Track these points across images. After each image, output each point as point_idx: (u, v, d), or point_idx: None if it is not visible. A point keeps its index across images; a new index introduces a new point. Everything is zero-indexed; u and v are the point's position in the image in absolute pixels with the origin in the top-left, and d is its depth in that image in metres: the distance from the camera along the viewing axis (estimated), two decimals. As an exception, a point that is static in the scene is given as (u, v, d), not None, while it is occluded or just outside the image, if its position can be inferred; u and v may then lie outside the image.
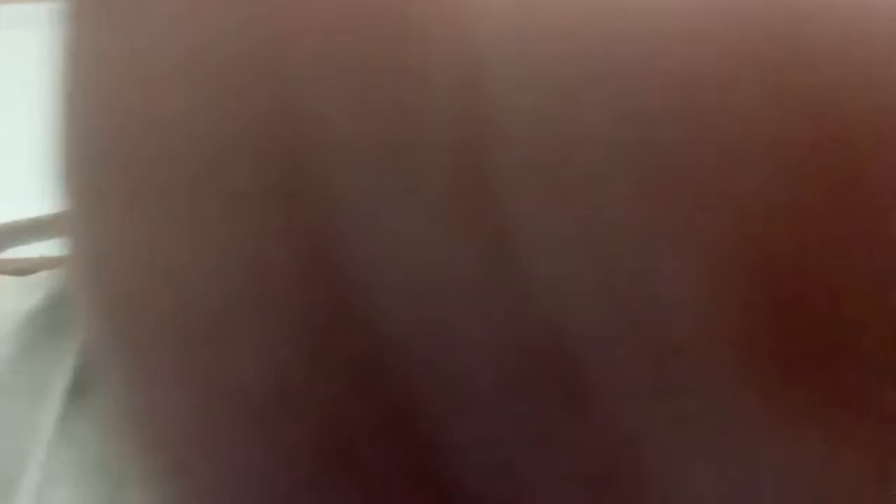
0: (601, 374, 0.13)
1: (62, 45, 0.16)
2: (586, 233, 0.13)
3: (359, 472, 0.14)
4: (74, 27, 0.16)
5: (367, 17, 0.13)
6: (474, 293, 0.13)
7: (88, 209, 0.16)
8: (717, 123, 0.12)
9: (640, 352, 0.13)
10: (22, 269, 0.31)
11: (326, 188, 0.14)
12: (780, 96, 0.12)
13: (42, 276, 0.30)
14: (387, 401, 0.14)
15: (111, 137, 0.15)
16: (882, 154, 0.12)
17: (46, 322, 0.28)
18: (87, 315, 0.16)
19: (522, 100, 0.13)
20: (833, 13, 0.12)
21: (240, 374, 0.15)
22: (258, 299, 0.14)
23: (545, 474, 0.14)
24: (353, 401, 0.14)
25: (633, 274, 0.13)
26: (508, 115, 0.13)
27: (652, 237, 0.13)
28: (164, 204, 0.15)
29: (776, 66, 0.12)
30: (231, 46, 0.14)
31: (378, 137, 0.13)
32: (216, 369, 0.15)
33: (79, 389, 0.27)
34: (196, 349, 0.15)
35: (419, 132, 0.13)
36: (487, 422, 0.14)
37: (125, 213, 0.15)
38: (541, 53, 0.13)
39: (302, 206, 0.14)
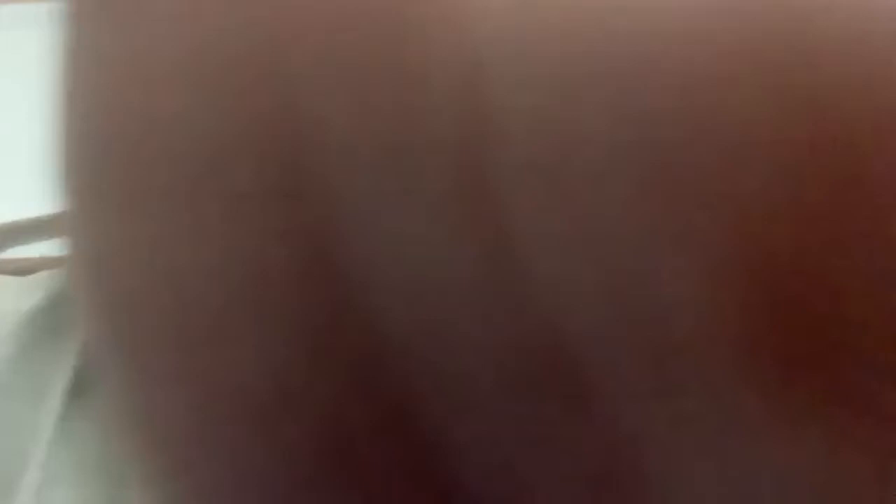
0: (601, 374, 0.13)
1: (62, 45, 0.16)
2: (586, 233, 0.13)
3: (359, 472, 0.14)
4: (74, 27, 0.16)
5: (367, 17, 0.13)
6: (474, 293, 0.13)
7: (88, 209, 0.16)
8: (717, 123, 0.12)
9: (640, 352, 0.13)
10: (22, 269, 0.31)
11: (326, 188, 0.14)
12: (780, 96, 0.12)
13: (42, 276, 0.30)
14: (387, 401, 0.14)
15: (111, 137, 0.15)
16: (882, 154, 0.12)
17: (46, 322, 0.28)
18: (87, 315, 0.16)
19: (522, 100, 0.13)
20: (833, 13, 0.12)
21: (240, 374, 0.15)
22: (258, 299, 0.14)
23: (545, 474, 0.14)
24: (353, 401, 0.14)
25: (633, 274, 0.13)
26: (508, 115, 0.13)
27: (652, 237, 0.13)
28: (164, 204, 0.15)
29: (776, 66, 0.12)
30: (231, 46, 0.14)
31: (378, 137, 0.13)
32: (216, 369, 0.15)
33: (79, 389, 0.27)
34: (196, 349, 0.15)
35: (419, 132, 0.13)
36: (487, 422, 0.14)
37: (125, 213, 0.15)
38: (541, 53, 0.13)
39: (302, 206, 0.14)
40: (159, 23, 0.15)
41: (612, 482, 0.14)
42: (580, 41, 0.13)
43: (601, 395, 0.13)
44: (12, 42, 0.69)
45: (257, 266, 0.14)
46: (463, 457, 0.14)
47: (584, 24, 0.13)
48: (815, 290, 0.12)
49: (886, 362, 0.12)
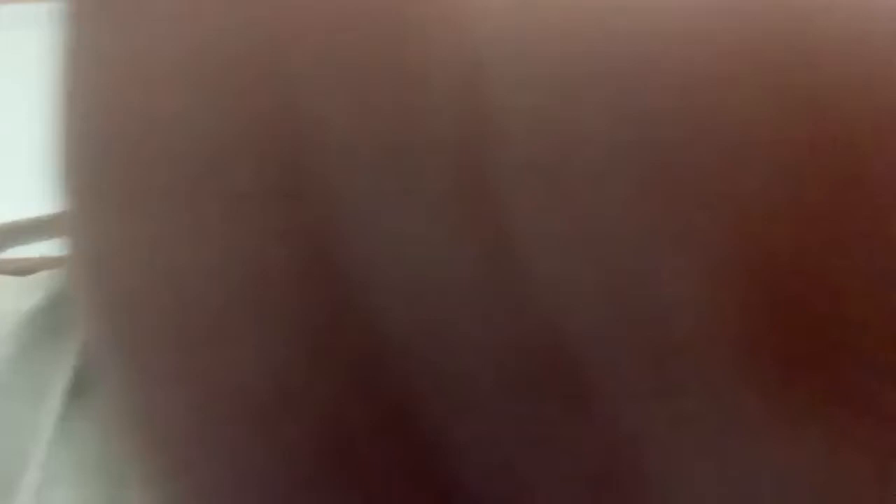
0: (601, 374, 0.13)
1: (62, 45, 0.16)
2: (586, 233, 0.13)
3: (359, 472, 0.14)
4: (74, 27, 0.16)
5: (367, 17, 0.13)
6: (474, 293, 0.13)
7: (88, 209, 0.16)
8: (717, 123, 0.12)
9: (640, 352, 0.13)
10: (22, 269, 0.31)
11: (326, 188, 0.14)
12: (780, 96, 0.12)
13: (42, 276, 0.30)
14: (387, 401, 0.14)
15: (111, 137, 0.15)
16: (882, 154, 0.12)
17: (46, 322, 0.28)
18: (87, 315, 0.16)
19: (522, 100, 0.13)
20: (833, 13, 0.12)
21: (240, 374, 0.15)
22: (258, 299, 0.14)
23: (545, 474, 0.14)
24: (353, 401, 0.14)
25: (633, 274, 0.13)
26: (508, 115, 0.13)
27: (652, 237, 0.13)
28: (164, 204, 0.15)
29: (776, 66, 0.12)
30: (231, 46, 0.14)
31: (378, 137, 0.13)
32: (216, 369, 0.15)
33: (79, 389, 0.27)
34: (196, 349, 0.15)
35: (419, 132, 0.13)
36: (487, 422, 0.14)
37: (125, 213, 0.15)
38: (541, 53, 0.13)
39: (302, 206, 0.14)
40: (159, 23, 0.15)
41: (612, 482, 0.14)
42: (580, 41, 0.13)
43: (601, 395, 0.13)
44: (12, 42, 0.69)
45: (257, 266, 0.14)
46: (463, 457, 0.14)
47: (584, 24, 0.13)
48: (815, 290, 0.12)
49: (886, 362, 0.12)
